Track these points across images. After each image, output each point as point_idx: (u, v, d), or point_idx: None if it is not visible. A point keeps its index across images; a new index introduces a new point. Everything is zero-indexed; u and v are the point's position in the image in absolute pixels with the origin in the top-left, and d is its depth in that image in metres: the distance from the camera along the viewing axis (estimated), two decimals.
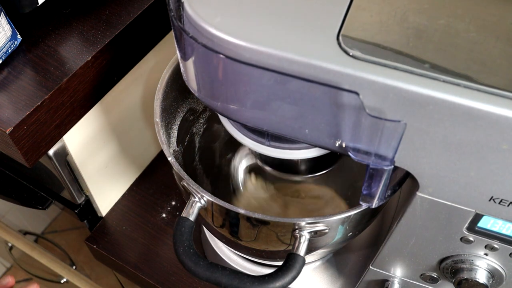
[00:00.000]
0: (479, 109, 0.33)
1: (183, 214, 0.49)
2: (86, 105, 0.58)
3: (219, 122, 0.52)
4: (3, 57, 0.53)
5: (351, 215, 0.47)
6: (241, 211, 0.47)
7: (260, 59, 0.36)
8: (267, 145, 0.48)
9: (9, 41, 0.53)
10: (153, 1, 0.60)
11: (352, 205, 0.44)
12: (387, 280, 0.57)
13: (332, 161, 0.63)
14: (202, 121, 0.66)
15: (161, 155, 0.82)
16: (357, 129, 0.37)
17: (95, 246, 0.74)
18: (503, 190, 0.38)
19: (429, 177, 0.40)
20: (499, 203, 0.39)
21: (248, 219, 0.48)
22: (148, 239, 0.74)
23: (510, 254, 0.46)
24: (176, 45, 0.42)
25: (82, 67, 0.54)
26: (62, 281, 1.19)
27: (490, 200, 0.39)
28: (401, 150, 0.38)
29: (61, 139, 0.59)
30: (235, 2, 0.39)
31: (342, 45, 0.36)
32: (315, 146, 0.42)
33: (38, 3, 0.55)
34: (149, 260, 0.72)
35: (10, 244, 1.21)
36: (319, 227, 0.47)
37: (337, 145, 0.40)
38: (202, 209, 0.50)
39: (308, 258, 0.58)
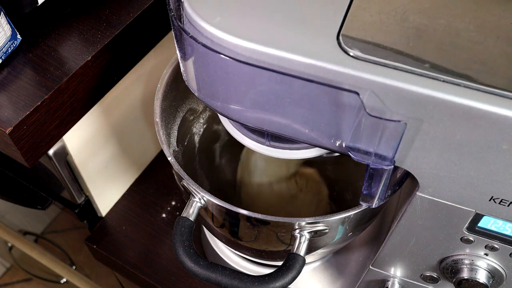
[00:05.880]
0: (479, 109, 0.33)
1: (183, 214, 0.49)
2: (86, 105, 0.58)
3: (219, 122, 0.52)
4: (3, 57, 0.53)
5: (351, 215, 0.47)
6: (241, 211, 0.47)
7: (260, 59, 0.36)
8: (267, 145, 0.48)
9: (9, 41, 0.53)
10: (153, 1, 0.60)
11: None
12: (387, 280, 0.57)
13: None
14: (202, 121, 0.66)
15: (161, 155, 0.82)
16: (357, 129, 0.37)
17: (95, 246, 0.74)
18: (503, 190, 0.38)
19: (429, 177, 0.40)
20: (499, 203, 0.39)
21: (248, 219, 0.48)
22: (148, 239, 0.74)
23: (510, 254, 0.46)
24: (176, 45, 0.42)
25: (82, 67, 0.54)
26: (62, 281, 1.19)
27: (490, 200, 0.39)
28: (401, 150, 0.38)
29: (61, 139, 0.59)
30: (235, 2, 0.39)
31: (342, 44, 0.36)
32: (315, 146, 0.42)
33: (38, 3, 0.55)
34: (149, 260, 0.72)
35: (10, 244, 1.22)
36: (319, 227, 0.47)
37: (337, 145, 0.40)
38: (202, 209, 0.50)
39: (308, 258, 0.58)
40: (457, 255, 0.48)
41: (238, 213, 0.47)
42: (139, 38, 0.61)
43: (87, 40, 0.56)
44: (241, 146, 0.49)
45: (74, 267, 1.12)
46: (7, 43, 0.53)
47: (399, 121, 0.35)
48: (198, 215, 0.50)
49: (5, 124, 0.50)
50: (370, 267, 0.56)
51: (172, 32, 0.42)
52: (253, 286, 0.45)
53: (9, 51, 0.54)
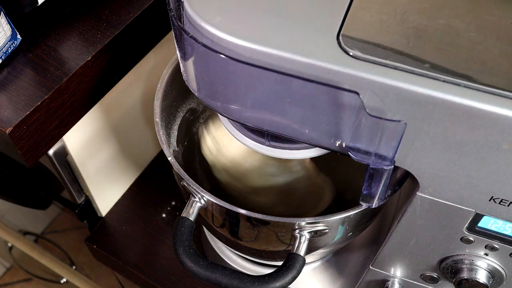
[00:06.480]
0: (479, 109, 0.33)
1: (183, 214, 0.49)
2: (86, 105, 0.58)
3: None
4: (3, 57, 0.53)
5: (351, 215, 0.47)
6: (241, 211, 0.47)
7: (260, 59, 0.36)
8: (267, 145, 0.48)
9: (9, 41, 0.53)
10: (153, 1, 0.60)
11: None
12: (387, 280, 0.57)
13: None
14: (202, 121, 0.66)
15: (161, 155, 0.82)
16: (357, 129, 0.37)
17: (95, 246, 0.74)
18: (503, 190, 0.38)
19: (429, 177, 0.40)
20: (499, 203, 0.39)
21: (248, 219, 0.48)
22: (148, 239, 0.74)
23: (510, 254, 0.46)
24: (176, 45, 0.42)
25: (82, 67, 0.54)
26: (62, 281, 1.19)
27: (490, 200, 0.39)
28: (401, 150, 0.38)
29: (61, 139, 0.59)
30: (235, 2, 0.39)
31: (342, 45, 0.36)
32: (315, 146, 0.42)
33: (38, 3, 0.55)
34: (149, 260, 0.72)
35: (10, 244, 1.22)
36: (319, 227, 0.47)
37: (337, 145, 0.40)
38: (202, 209, 0.50)
39: (308, 258, 0.58)
40: (457, 255, 0.48)
41: (238, 213, 0.47)
42: (139, 38, 0.61)
43: (87, 40, 0.56)
44: (241, 146, 0.49)
45: (74, 267, 1.12)
46: (7, 43, 0.53)
47: (399, 121, 0.35)
48: (198, 215, 0.50)
49: (5, 124, 0.50)
50: (370, 267, 0.56)
51: (172, 32, 0.42)
52: (253, 286, 0.45)
53: (9, 51, 0.54)
